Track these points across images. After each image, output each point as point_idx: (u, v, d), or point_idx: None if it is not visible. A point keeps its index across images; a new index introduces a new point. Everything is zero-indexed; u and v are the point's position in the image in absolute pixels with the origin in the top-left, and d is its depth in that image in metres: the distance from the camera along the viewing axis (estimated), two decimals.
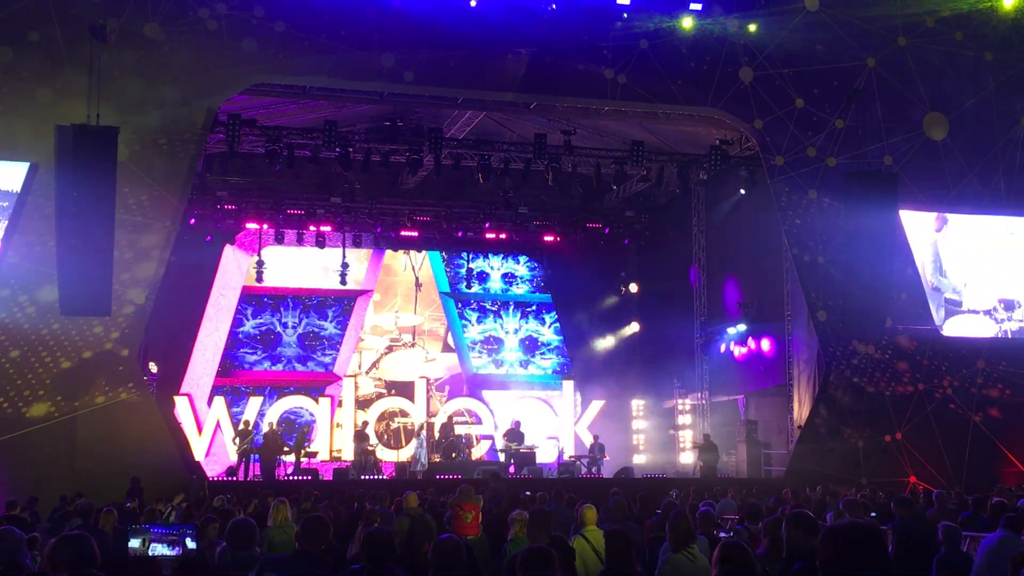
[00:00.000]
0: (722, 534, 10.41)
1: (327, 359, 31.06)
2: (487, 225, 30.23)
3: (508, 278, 33.15)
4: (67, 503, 15.60)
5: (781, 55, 23.04)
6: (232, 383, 29.88)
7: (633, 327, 32.44)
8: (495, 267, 33.07)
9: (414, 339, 32.06)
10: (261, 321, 30.73)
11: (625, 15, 22.08)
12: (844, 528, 4.35)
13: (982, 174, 23.98)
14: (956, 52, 24.02)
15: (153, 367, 25.77)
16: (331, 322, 31.25)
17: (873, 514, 13.16)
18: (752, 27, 22.86)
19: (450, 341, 32.62)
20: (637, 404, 31.85)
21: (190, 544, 8.47)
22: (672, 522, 8.07)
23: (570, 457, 27.98)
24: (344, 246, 30.45)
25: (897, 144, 23.51)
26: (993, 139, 24.10)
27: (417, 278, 32.03)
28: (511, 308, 32.99)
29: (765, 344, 26.59)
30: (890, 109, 23.55)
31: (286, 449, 24.72)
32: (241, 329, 30.49)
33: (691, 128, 25.55)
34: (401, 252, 31.73)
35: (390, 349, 31.82)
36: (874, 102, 23.35)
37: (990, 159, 24.04)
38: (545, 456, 28.34)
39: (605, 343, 32.50)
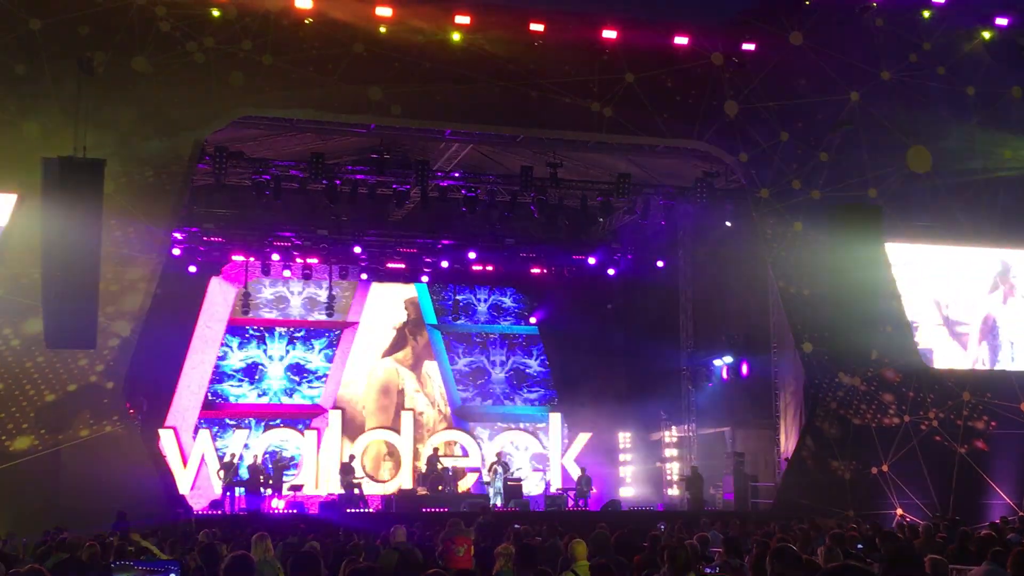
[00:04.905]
0: (708, 569, 10.38)
1: (313, 391, 30.94)
2: (474, 257, 30.24)
3: (495, 310, 33.13)
4: (50, 537, 15.46)
5: (766, 89, 23.21)
6: (217, 416, 29.71)
7: None
8: (482, 299, 33.05)
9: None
10: (247, 353, 30.60)
11: (608, 49, 22.22)
12: (837, 571, 4.37)
13: (966, 206, 24.13)
14: (939, 86, 24.23)
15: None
16: (317, 354, 31.16)
17: (859, 546, 13.14)
18: (736, 60, 23.03)
19: (432, 371, 32.49)
20: (624, 436, 31.76)
21: None
22: (671, 552, 8.04)
23: (557, 490, 27.90)
24: (331, 278, 30.44)
25: (881, 177, 23.67)
26: (976, 172, 24.27)
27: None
28: (498, 340, 32.94)
29: (751, 377, 26.58)
30: (874, 142, 23.71)
31: (271, 481, 24.61)
32: (227, 362, 30.37)
33: (677, 161, 25.66)
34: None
35: None
36: (858, 135, 23.53)
37: (973, 192, 24.21)
38: (531, 488, 28.28)
39: None
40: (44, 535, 15.98)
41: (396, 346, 31.97)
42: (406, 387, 31.82)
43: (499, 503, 24.97)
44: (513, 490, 25.66)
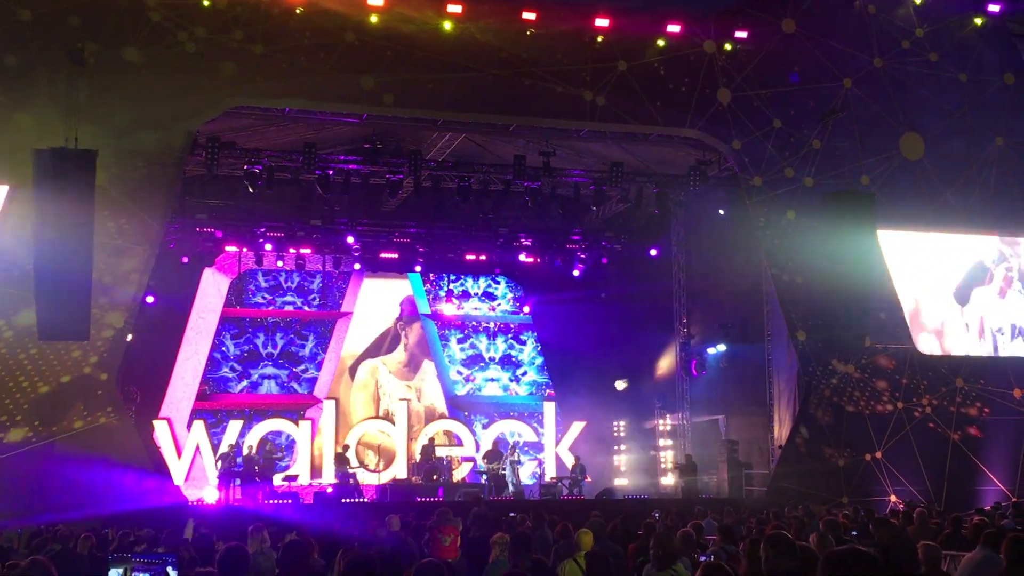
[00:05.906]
0: (703, 557, 10.40)
1: (307, 382, 30.94)
2: (467, 246, 30.21)
3: (488, 299, 33.14)
4: (45, 528, 15.47)
5: (758, 76, 23.20)
6: (212, 407, 29.70)
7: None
8: (475, 288, 33.05)
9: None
10: (240, 344, 30.59)
11: (600, 37, 22.19)
12: (843, 554, 4.38)
13: (958, 193, 24.19)
14: (931, 73, 24.26)
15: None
16: (311, 345, 31.14)
17: (854, 532, 13.18)
18: (729, 47, 23.02)
19: (427, 368, 32.48)
20: (618, 425, 31.81)
21: (172, 573, 8.37)
22: (656, 541, 8.07)
23: (552, 479, 27.93)
24: (324, 268, 30.40)
25: (874, 164, 23.69)
26: (969, 158, 24.32)
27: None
28: (492, 329, 32.95)
29: (745, 364, 26.60)
30: (867, 129, 23.74)
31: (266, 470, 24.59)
32: (220, 352, 30.34)
33: (670, 149, 25.64)
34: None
35: None
36: (851, 123, 23.54)
37: (966, 178, 24.25)
38: (525, 477, 28.31)
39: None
40: (38, 526, 15.98)
41: (388, 347, 31.90)
42: (386, 389, 31.60)
43: (510, 491, 25.04)
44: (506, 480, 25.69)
